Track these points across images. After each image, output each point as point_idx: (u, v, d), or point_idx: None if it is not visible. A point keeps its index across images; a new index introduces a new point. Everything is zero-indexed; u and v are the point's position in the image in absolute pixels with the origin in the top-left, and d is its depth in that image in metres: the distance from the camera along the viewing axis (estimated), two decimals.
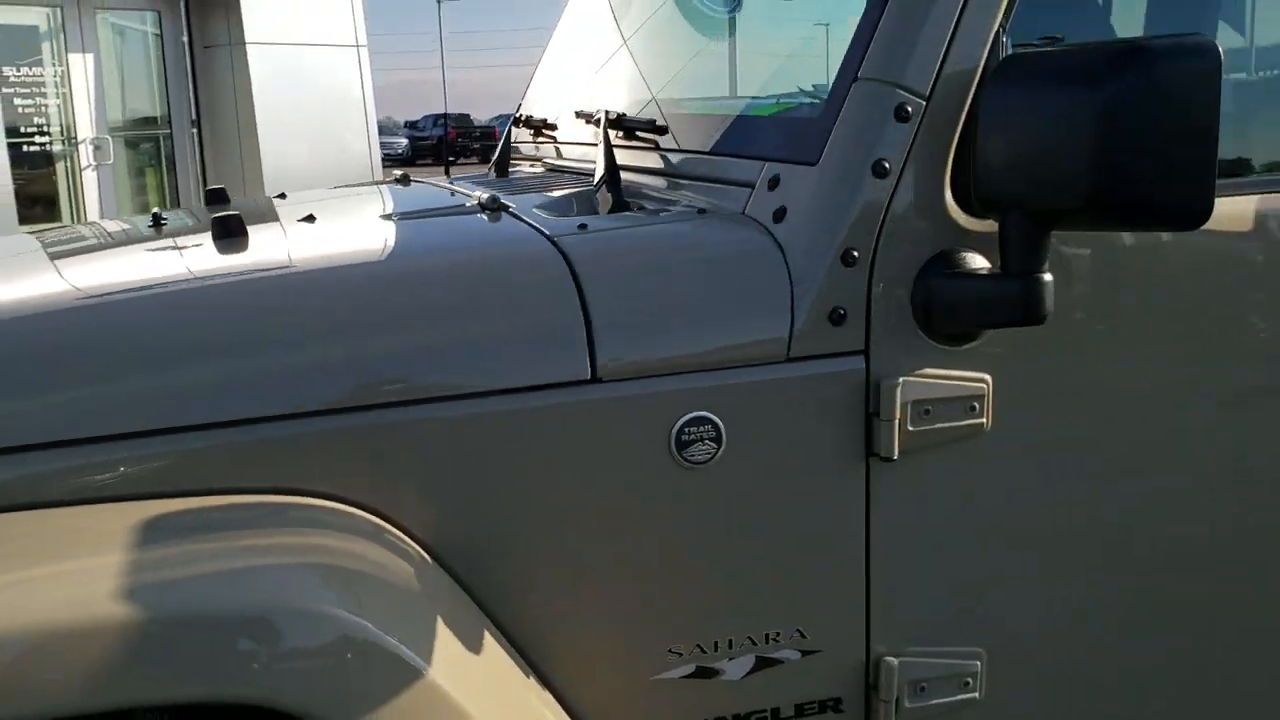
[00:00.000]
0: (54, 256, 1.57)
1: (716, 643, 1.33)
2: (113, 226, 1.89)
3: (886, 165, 1.30)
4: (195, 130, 11.83)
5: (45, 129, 11.01)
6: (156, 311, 1.26)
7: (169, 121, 11.75)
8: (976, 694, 1.43)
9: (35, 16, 11.18)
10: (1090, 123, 1.15)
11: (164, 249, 1.56)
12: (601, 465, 1.26)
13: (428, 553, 1.21)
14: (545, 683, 1.28)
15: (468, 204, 1.62)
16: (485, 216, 1.53)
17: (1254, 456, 1.46)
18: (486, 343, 1.25)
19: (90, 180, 10.92)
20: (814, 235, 1.31)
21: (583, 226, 1.40)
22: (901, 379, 1.31)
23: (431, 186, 2.01)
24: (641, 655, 1.32)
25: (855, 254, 1.30)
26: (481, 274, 1.33)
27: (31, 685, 0.93)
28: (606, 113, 1.78)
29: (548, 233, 1.37)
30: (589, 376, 1.25)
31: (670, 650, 1.32)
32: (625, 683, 1.32)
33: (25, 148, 10.82)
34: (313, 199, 1.99)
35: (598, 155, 1.68)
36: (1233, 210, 1.41)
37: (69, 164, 10.97)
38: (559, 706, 1.28)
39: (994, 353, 1.36)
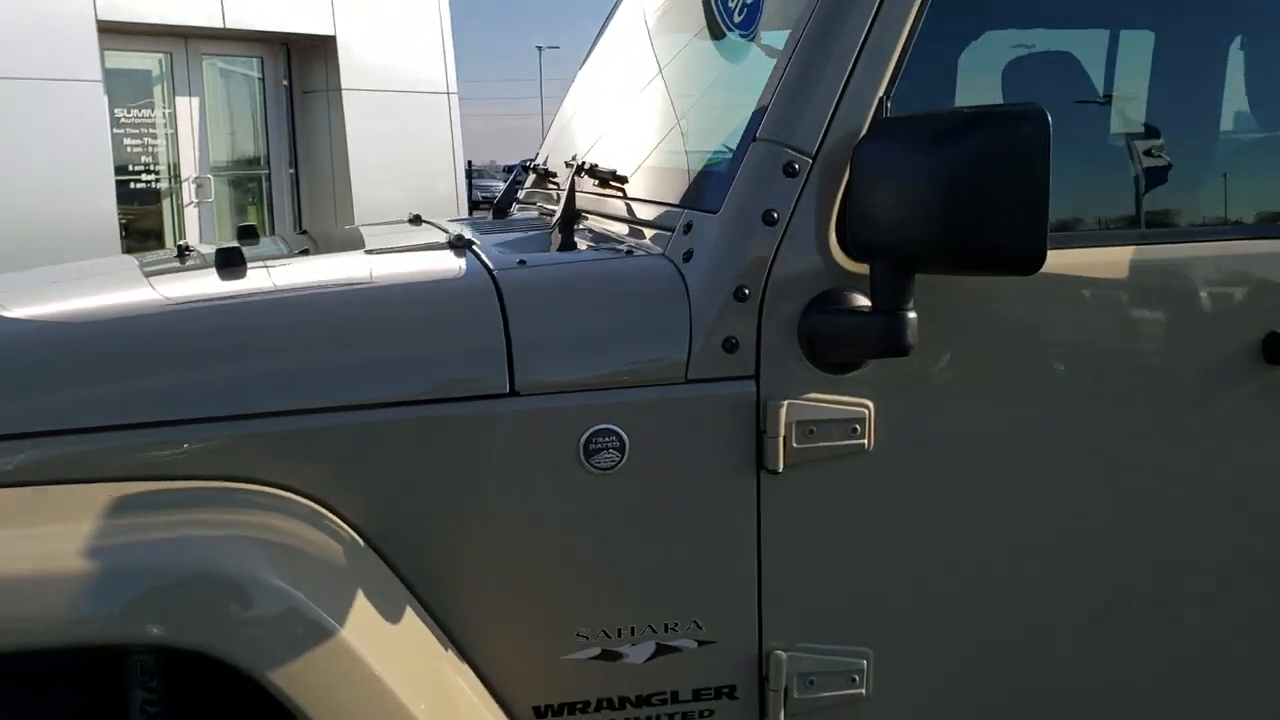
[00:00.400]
0: (73, 280, 1.84)
1: (620, 629, 1.52)
2: (150, 256, 2.16)
3: (775, 215, 1.49)
4: (293, 171, 12.36)
5: (152, 167, 11.61)
6: (140, 326, 1.51)
7: (268, 162, 12.30)
8: (863, 690, 1.59)
9: (149, 61, 11.80)
10: (940, 180, 1.34)
11: (178, 276, 1.82)
12: (517, 468, 1.47)
13: (361, 537, 1.43)
14: (464, 657, 1.48)
15: (441, 241, 1.85)
16: (451, 253, 1.76)
17: (1102, 469, 1.62)
18: (421, 358, 1.47)
19: (191, 216, 11.46)
20: (712, 274, 1.51)
21: (522, 262, 1.62)
22: (787, 402, 1.50)
23: (431, 226, 2.25)
24: (552, 637, 1.51)
25: (747, 291, 1.49)
26: (424, 300, 1.56)
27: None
28: (581, 163, 2.00)
29: (491, 267, 1.59)
30: (508, 390, 1.46)
31: (578, 634, 1.51)
32: (537, 661, 1.51)
33: (133, 184, 11.42)
34: (328, 235, 2.25)
35: (561, 200, 1.90)
36: (1088, 260, 1.58)
37: (173, 201, 11.52)
38: (475, 678, 1.48)
39: (877, 381, 1.53)
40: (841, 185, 1.49)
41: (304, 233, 2.42)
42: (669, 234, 1.62)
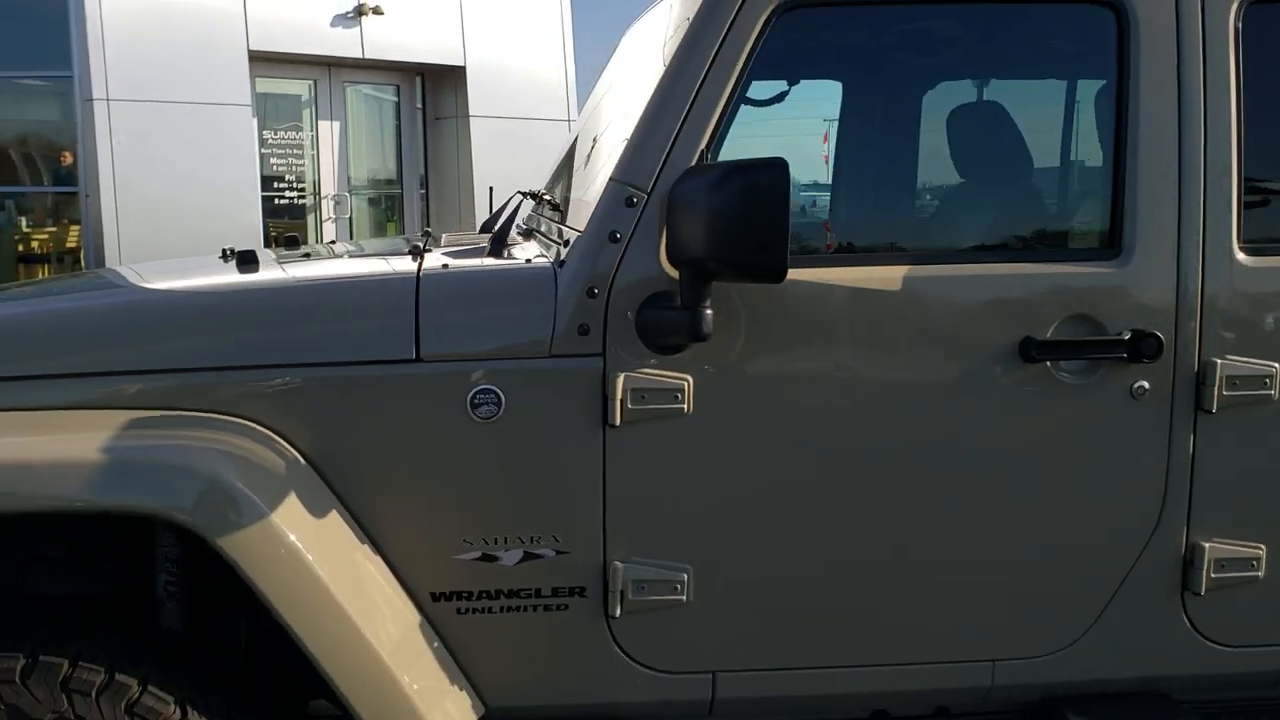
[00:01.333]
0: (140, 272, 2.47)
1: (496, 539, 2.06)
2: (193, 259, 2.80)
3: (619, 235, 2.02)
4: (424, 191, 13.23)
5: (295, 184, 12.59)
6: (160, 302, 2.13)
7: (401, 181, 13.19)
8: (684, 597, 2.09)
9: (299, 87, 12.80)
10: (716, 212, 1.85)
11: (211, 270, 2.44)
12: (420, 414, 2.02)
13: (304, 458, 1.99)
14: (377, 552, 2.03)
15: (406, 249, 2.43)
16: (408, 259, 2.33)
17: (874, 433, 2.09)
18: (354, 331, 2.04)
19: (329, 231, 12.39)
20: (573, 278, 2.04)
21: (445, 265, 2.18)
22: (624, 374, 2.02)
23: (422, 234, 2.83)
24: (444, 542, 2.05)
25: (596, 291, 2.02)
26: (364, 291, 2.13)
27: (34, 488, 1.78)
28: (530, 193, 2.56)
29: (419, 271, 2.15)
30: (414, 357, 2.02)
31: (464, 541, 2.06)
32: (432, 559, 2.05)
33: (277, 200, 12.41)
34: (342, 244, 2.85)
35: (501, 220, 2.46)
36: (873, 275, 2.06)
37: (315, 215, 12.45)
38: (385, 568, 2.03)
39: (696, 360, 2.04)
40: (664, 215, 2.00)
41: (333, 242, 3.02)
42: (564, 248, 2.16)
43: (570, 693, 2.12)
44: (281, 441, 1.98)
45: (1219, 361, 2.09)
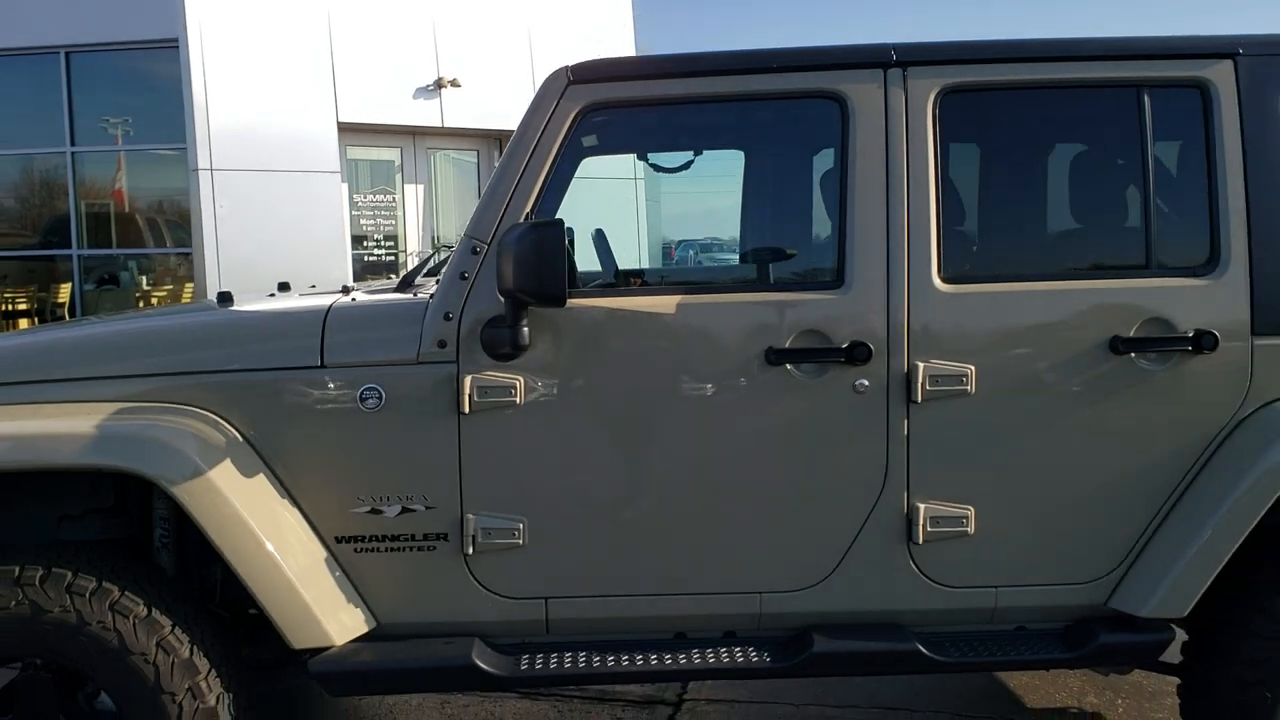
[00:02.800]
0: (151, 312, 3.33)
1: (380, 497, 2.83)
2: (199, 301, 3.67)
3: (466, 275, 2.80)
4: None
5: (383, 242, 13.67)
6: (158, 329, 2.98)
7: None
8: (520, 541, 2.84)
9: (387, 154, 13.93)
10: (519, 256, 2.62)
11: (204, 308, 3.29)
12: (322, 405, 2.81)
13: (241, 436, 2.80)
14: (293, 505, 2.82)
15: (342, 290, 3.24)
16: (341, 296, 3.14)
17: (657, 419, 2.81)
18: (279, 346, 2.85)
19: None
20: (436, 307, 2.82)
21: (354, 299, 2.99)
22: (470, 375, 2.78)
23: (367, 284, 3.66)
24: (343, 498, 2.83)
25: (450, 315, 2.80)
26: (289, 318, 2.95)
27: (25, 449, 2.61)
28: (446, 245, 3.36)
29: (331, 303, 2.95)
30: (320, 365, 2.82)
31: (357, 498, 2.83)
32: (335, 511, 2.83)
33: (366, 257, 13.49)
34: (314, 287, 3.69)
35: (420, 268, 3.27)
36: (644, 303, 2.80)
37: (397, 271, 13.47)
38: (299, 515, 2.82)
39: (524, 365, 2.80)
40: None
41: (313, 287, 3.87)
42: None
43: (439, 613, 2.87)
44: (225, 424, 2.79)
45: (922, 364, 2.78)
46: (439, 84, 13.26)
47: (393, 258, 13.93)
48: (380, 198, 13.91)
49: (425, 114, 13.42)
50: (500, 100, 12.98)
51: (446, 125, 13.24)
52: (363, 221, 13.68)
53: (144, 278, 14.67)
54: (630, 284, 3.23)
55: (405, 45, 13.18)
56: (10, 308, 15.38)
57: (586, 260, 3.67)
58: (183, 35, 11.99)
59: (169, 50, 12.62)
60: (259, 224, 12.34)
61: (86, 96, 14.09)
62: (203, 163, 12.12)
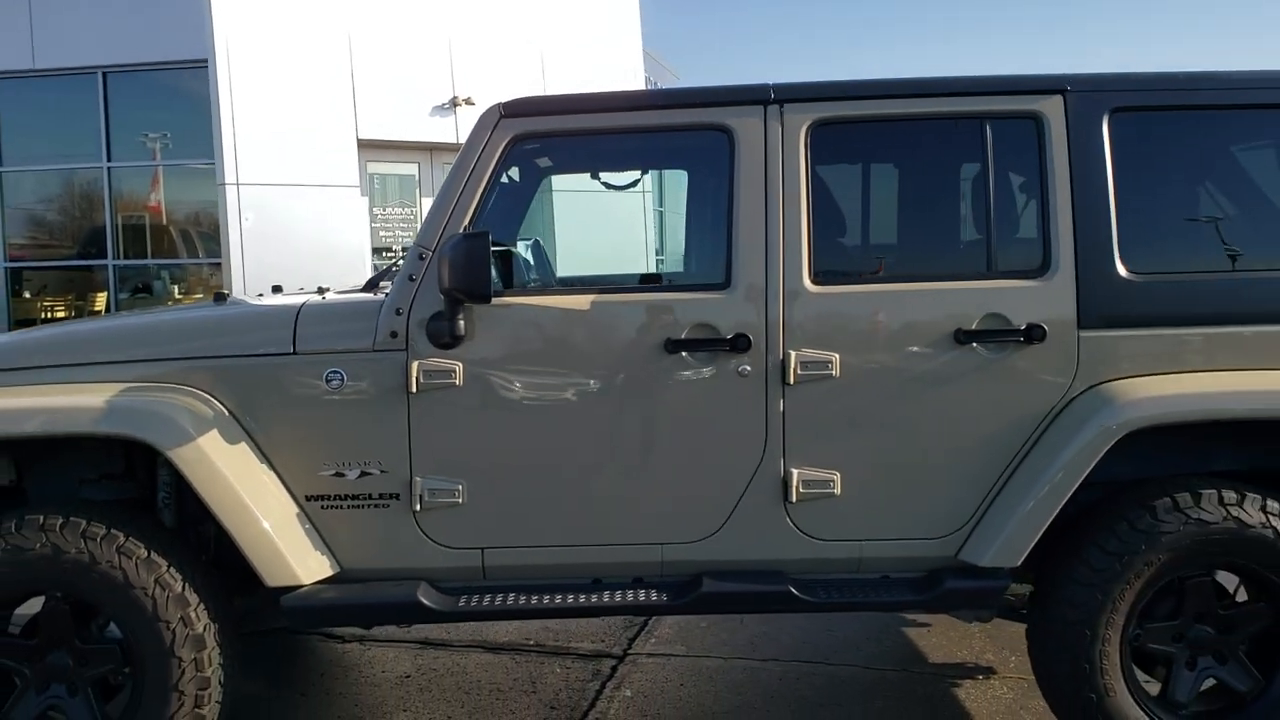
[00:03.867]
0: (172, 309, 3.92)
1: (342, 463, 3.39)
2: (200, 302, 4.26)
3: (414, 277, 3.37)
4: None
5: (401, 253, 14.26)
6: (161, 322, 3.56)
7: (494, 243, 14.86)
8: (460, 500, 3.39)
9: (409, 168, 14.56)
10: (454, 262, 3.18)
11: (201, 306, 3.87)
12: (293, 385, 3.38)
13: (228, 410, 3.37)
14: (271, 469, 3.39)
15: (317, 289, 3.81)
16: (314, 295, 3.71)
17: (573, 398, 3.36)
18: (260, 337, 3.42)
19: None
20: (390, 304, 3.39)
21: (324, 297, 3.56)
22: (418, 361, 3.34)
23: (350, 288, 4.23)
24: (311, 464, 3.38)
25: (401, 311, 3.36)
26: (268, 314, 3.52)
27: (46, 419, 3.20)
28: (403, 248, 3.92)
29: (304, 303, 3.53)
30: (292, 351, 3.39)
31: (324, 464, 3.39)
32: (304, 474, 3.39)
33: (392, 267, 14.07)
34: (302, 289, 4.27)
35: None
36: (573, 300, 3.35)
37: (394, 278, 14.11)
38: (276, 478, 3.39)
39: (464, 353, 3.35)
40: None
41: (303, 289, 4.44)
42: None
43: (391, 559, 3.42)
44: (214, 401, 3.36)
45: (794, 353, 3.31)
46: (454, 102, 13.89)
47: (394, 263, 14.57)
48: (400, 210, 14.56)
49: (441, 131, 14.07)
50: None
51: (462, 141, 13.82)
52: (383, 233, 14.32)
53: (176, 287, 15.38)
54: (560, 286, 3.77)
55: (422, 65, 13.82)
56: (50, 315, 16.16)
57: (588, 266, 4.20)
58: (211, 57, 12.69)
59: (199, 70, 13.33)
60: (284, 235, 13.00)
61: (122, 114, 14.84)
62: (230, 177, 12.81)
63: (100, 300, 15.40)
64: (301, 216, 13.07)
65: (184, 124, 14.53)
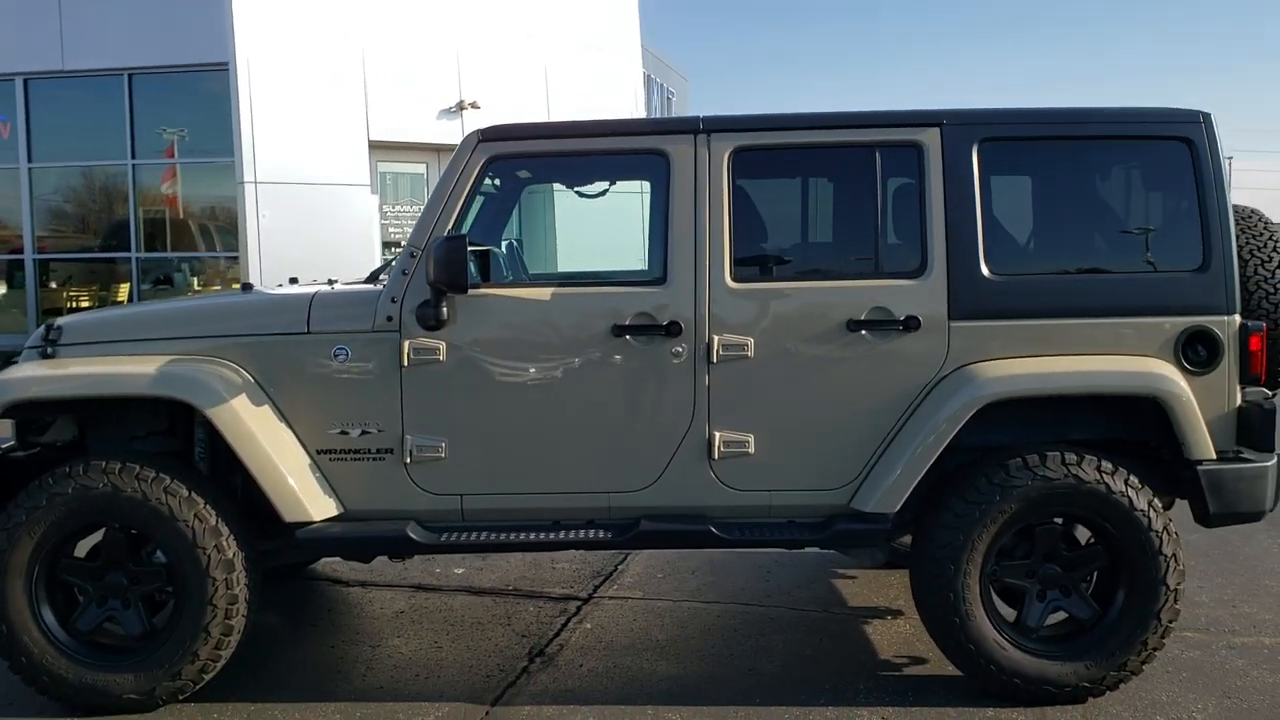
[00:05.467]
0: (203, 296, 4.69)
1: (346, 423, 4.14)
2: (232, 290, 5.03)
3: (406, 272, 4.13)
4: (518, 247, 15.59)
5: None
6: (200, 307, 4.34)
7: (499, 243, 15.57)
8: (442, 455, 4.15)
9: (417, 168, 15.34)
10: (437, 259, 3.94)
11: (231, 294, 4.64)
12: (307, 359, 4.14)
13: (255, 379, 4.14)
14: (290, 428, 4.15)
15: (328, 281, 4.58)
16: (325, 286, 4.48)
17: (536, 371, 4.11)
18: (280, 319, 4.18)
19: None
20: (385, 294, 4.15)
21: (333, 287, 4.33)
22: (408, 341, 4.10)
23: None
24: (322, 424, 4.13)
25: (395, 299, 4.13)
26: (286, 301, 4.29)
27: (109, 383, 3.98)
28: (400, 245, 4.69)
29: (316, 291, 4.30)
30: (306, 331, 4.16)
31: (331, 424, 4.15)
32: (317, 432, 4.15)
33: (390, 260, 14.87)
34: (315, 280, 5.04)
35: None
36: (527, 292, 4.12)
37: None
38: (293, 436, 4.15)
39: (449, 335, 4.11)
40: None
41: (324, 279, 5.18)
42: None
43: (386, 503, 4.17)
44: (243, 371, 4.12)
45: (717, 337, 4.06)
46: (461, 106, 14.66)
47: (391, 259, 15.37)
48: (409, 208, 15.33)
49: (448, 133, 14.84)
50: (515, 121, 14.29)
51: None
52: (392, 229, 15.10)
53: (195, 279, 16.20)
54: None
55: (431, 71, 14.59)
56: (75, 305, 17.01)
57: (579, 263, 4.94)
58: (232, 62, 13.48)
59: (218, 72, 14.12)
60: (299, 231, 13.80)
61: (146, 113, 15.66)
62: (249, 176, 13.60)
63: (123, 291, 16.23)
64: (315, 213, 13.86)
65: (204, 123, 15.36)
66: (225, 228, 15.53)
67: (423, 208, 13.71)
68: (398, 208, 15.12)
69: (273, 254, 13.75)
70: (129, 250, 15.88)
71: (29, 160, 15.86)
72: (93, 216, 17.04)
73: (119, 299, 16.15)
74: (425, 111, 14.58)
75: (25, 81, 15.58)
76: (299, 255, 13.44)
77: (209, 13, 13.78)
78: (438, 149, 14.95)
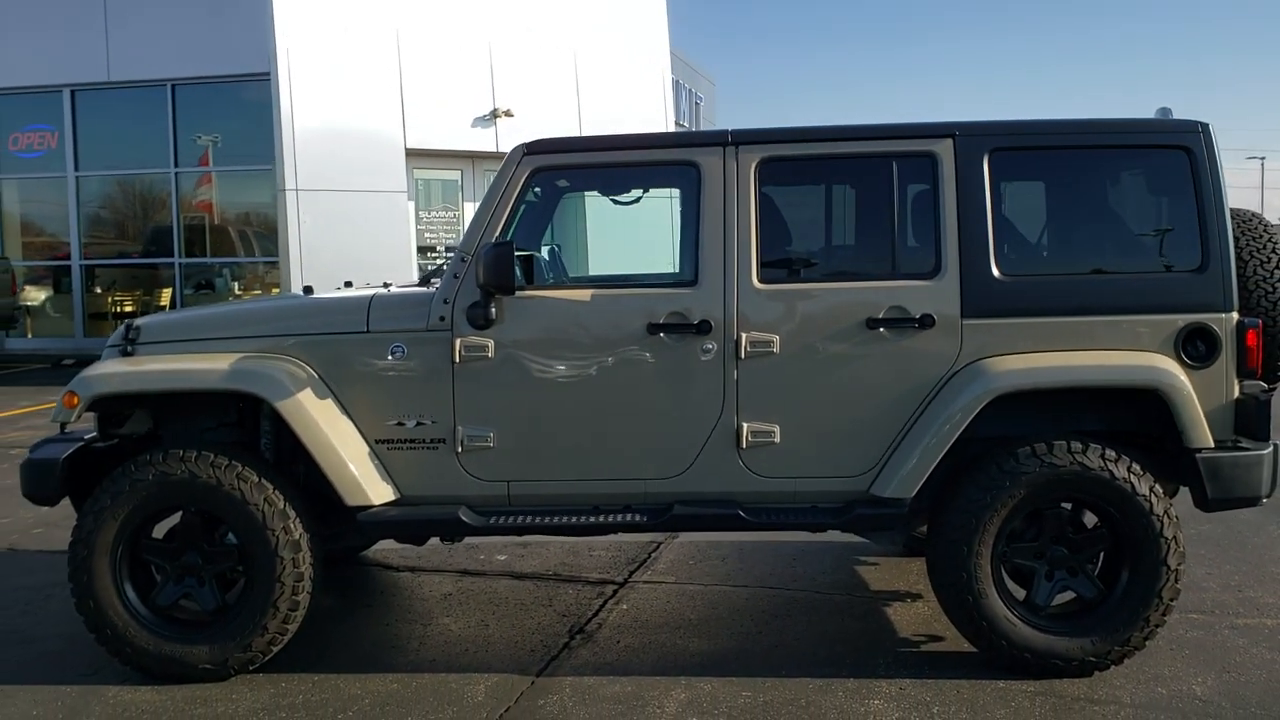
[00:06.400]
0: (250, 300, 5.05)
1: (402, 415, 4.46)
2: (298, 293, 5.38)
3: (457, 276, 4.47)
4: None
5: (445, 253, 15.45)
6: (266, 308, 4.69)
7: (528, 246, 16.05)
8: (492, 445, 4.49)
9: (452, 174, 15.72)
10: (486, 263, 4.27)
11: (295, 296, 5.00)
12: (368, 356, 4.47)
13: (318, 374, 4.48)
14: (349, 419, 4.49)
15: (383, 284, 4.93)
16: (381, 290, 4.82)
17: (581, 367, 4.44)
18: (342, 319, 4.53)
19: None
20: (438, 295, 4.49)
21: (389, 290, 4.68)
22: (459, 338, 4.44)
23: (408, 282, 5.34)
24: (381, 415, 4.46)
25: (447, 301, 4.47)
26: (347, 303, 4.63)
27: (186, 378, 4.35)
28: (446, 247, 5.03)
29: (374, 294, 4.64)
30: (366, 330, 4.51)
31: (389, 416, 4.48)
32: (376, 423, 4.48)
33: (428, 265, 15.27)
34: (369, 284, 5.39)
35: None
36: (569, 294, 4.45)
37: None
38: (353, 426, 4.50)
39: (497, 332, 4.45)
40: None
41: (370, 284, 5.53)
42: None
43: (439, 489, 4.50)
44: (308, 367, 4.47)
45: (745, 335, 4.38)
46: (494, 114, 15.03)
47: (444, 263, 15.81)
48: (443, 214, 15.72)
49: (482, 140, 15.22)
50: (548, 128, 14.63)
51: (501, 150, 15.01)
52: (428, 234, 15.49)
53: (235, 283, 16.64)
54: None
55: (465, 80, 14.97)
56: (120, 309, 17.51)
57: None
58: (274, 72, 13.91)
59: (259, 82, 14.55)
60: (337, 236, 14.21)
61: (188, 123, 16.12)
62: (289, 183, 14.02)
63: (165, 296, 16.71)
64: (353, 219, 14.26)
65: (244, 131, 15.80)
66: (263, 233, 15.98)
67: (457, 213, 14.12)
68: (433, 213, 15.51)
69: (312, 259, 14.16)
70: (171, 256, 16.32)
71: (75, 169, 16.35)
72: (136, 223, 17.54)
73: (162, 304, 16.62)
74: (460, 120, 14.96)
75: (72, 92, 16.09)
76: (337, 260, 13.85)
77: (251, 25, 14.21)
78: (472, 156, 15.33)
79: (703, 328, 4.34)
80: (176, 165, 15.92)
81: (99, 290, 17.33)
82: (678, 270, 4.72)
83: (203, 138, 16.15)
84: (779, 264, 4.48)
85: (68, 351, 16.17)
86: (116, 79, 15.66)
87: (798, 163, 4.49)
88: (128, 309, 17.38)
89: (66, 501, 4.55)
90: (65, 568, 4.32)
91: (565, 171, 4.70)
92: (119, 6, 15.39)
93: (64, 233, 16.70)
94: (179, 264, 16.23)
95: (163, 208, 16.62)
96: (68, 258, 16.74)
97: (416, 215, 15.07)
